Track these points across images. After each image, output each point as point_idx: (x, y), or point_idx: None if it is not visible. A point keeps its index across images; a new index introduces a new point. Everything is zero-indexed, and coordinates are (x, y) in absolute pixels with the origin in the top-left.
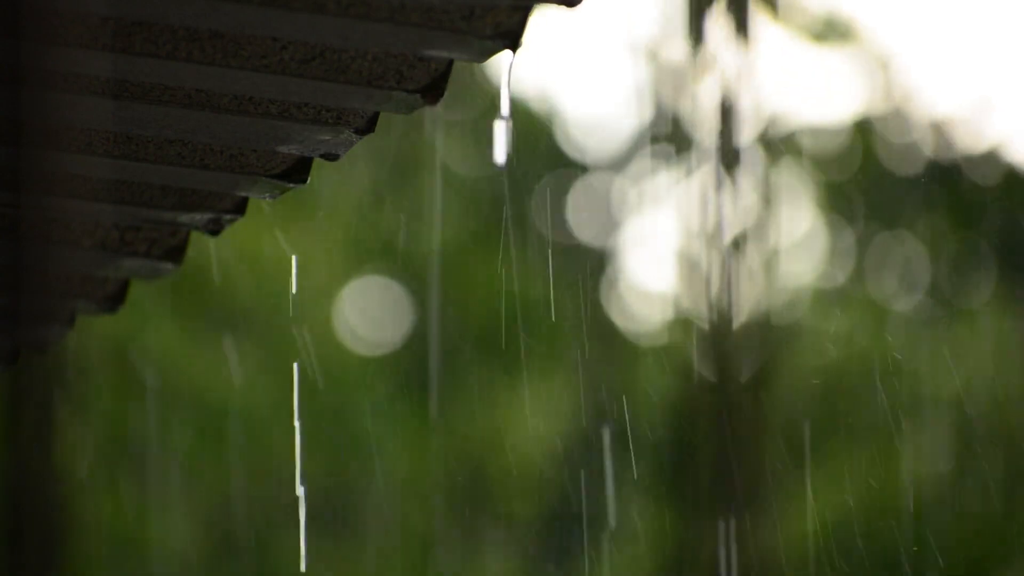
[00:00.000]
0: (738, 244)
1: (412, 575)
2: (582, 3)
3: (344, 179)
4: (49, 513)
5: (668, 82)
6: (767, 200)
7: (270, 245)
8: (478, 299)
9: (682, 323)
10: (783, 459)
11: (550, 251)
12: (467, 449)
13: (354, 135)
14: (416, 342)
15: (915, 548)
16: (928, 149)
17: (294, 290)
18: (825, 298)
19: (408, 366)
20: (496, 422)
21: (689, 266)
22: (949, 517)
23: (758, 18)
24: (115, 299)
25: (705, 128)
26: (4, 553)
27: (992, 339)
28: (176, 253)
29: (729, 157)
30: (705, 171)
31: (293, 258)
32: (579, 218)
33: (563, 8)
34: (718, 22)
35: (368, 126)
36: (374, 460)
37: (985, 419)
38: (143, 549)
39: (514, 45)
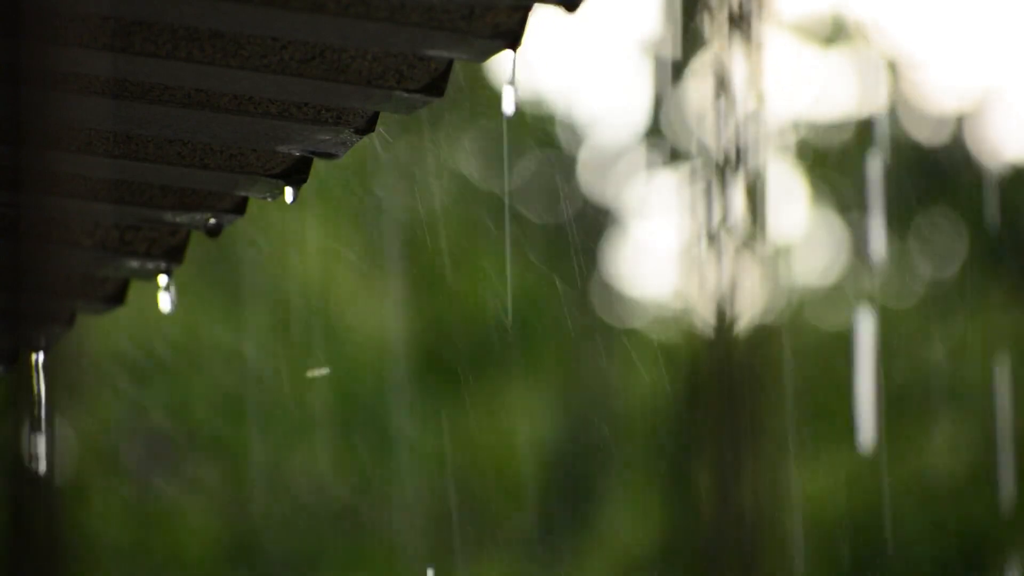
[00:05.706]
0: (739, 243)
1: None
2: (581, 6)
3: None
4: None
5: (667, 80)
6: (768, 198)
7: None
8: (473, 296)
9: (681, 322)
10: (783, 456)
11: (547, 248)
12: (464, 447)
13: (354, 135)
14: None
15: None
16: (933, 145)
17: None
18: (828, 296)
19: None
20: (490, 421)
21: (689, 265)
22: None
23: (760, 15)
24: (115, 299)
25: (705, 126)
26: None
27: (998, 333)
28: (176, 253)
29: (730, 155)
30: (706, 169)
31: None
32: (577, 216)
33: (562, 9)
34: (719, 20)
35: (368, 126)
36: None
37: (988, 414)
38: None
39: (514, 45)
